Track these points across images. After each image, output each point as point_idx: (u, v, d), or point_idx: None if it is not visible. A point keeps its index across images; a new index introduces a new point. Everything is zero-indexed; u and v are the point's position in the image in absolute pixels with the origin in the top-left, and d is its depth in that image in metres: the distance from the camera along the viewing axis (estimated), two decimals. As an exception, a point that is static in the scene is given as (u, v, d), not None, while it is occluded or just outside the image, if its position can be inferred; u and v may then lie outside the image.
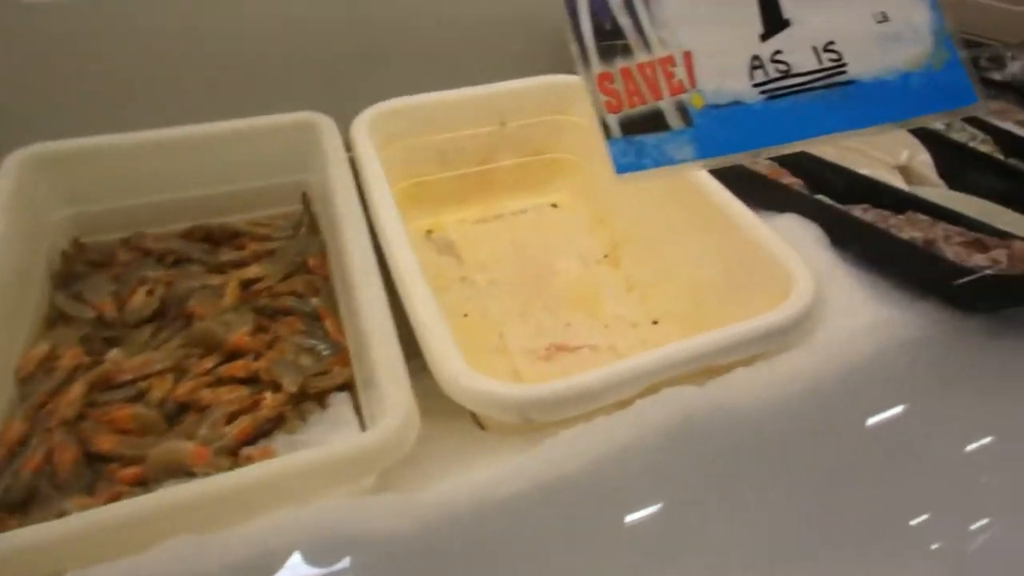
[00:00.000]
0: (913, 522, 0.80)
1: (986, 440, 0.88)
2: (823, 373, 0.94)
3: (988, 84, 1.81)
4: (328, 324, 1.12)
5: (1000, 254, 1.05)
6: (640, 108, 0.64)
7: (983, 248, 1.08)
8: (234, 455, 0.93)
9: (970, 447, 0.88)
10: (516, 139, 1.52)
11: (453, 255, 1.48)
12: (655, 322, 1.30)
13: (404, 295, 1.01)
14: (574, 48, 0.64)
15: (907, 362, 0.95)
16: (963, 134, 1.57)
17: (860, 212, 1.20)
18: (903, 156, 1.44)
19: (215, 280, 1.20)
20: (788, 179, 1.36)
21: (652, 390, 0.93)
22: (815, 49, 0.70)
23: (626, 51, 0.64)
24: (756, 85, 0.68)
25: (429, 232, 1.52)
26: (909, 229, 1.14)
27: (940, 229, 1.12)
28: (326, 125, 1.33)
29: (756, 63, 0.68)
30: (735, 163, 0.66)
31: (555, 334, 1.30)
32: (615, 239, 1.45)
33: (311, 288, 1.19)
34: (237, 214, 1.37)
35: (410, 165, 1.48)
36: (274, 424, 0.97)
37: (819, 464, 0.85)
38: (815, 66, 0.69)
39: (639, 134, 0.65)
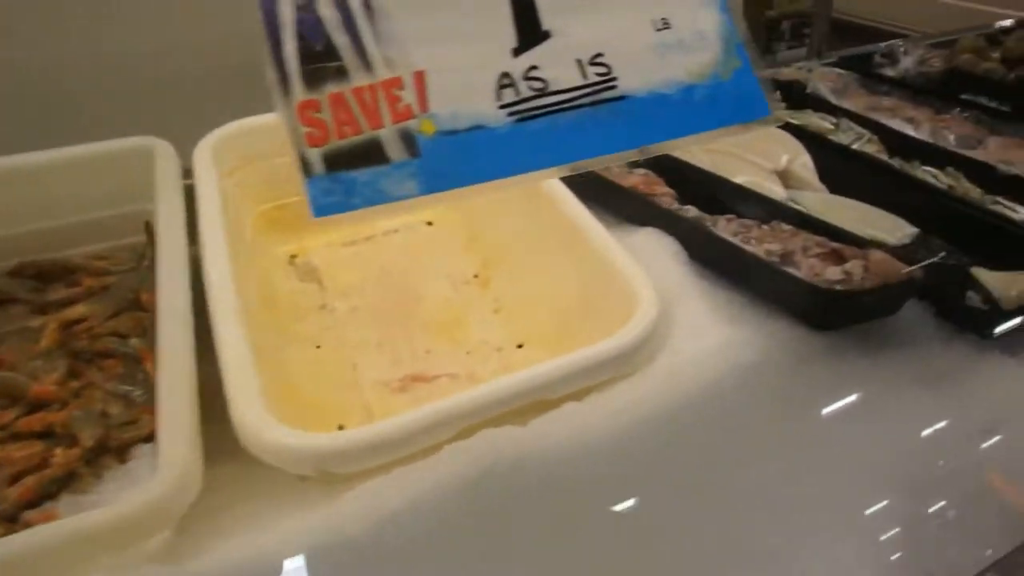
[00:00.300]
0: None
1: (819, 468, 0.82)
2: (658, 403, 0.87)
3: (882, 80, 1.76)
4: (148, 367, 1.04)
5: (856, 266, 0.98)
6: (353, 139, 0.57)
7: (840, 259, 1.02)
8: (13, 520, 0.84)
9: (805, 475, 0.81)
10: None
11: (315, 281, 1.40)
12: (520, 346, 1.23)
13: (215, 335, 0.93)
14: (271, 74, 0.56)
15: (750, 387, 0.89)
16: (849, 134, 1.52)
17: (724, 223, 1.14)
18: (783, 160, 1.38)
19: (35, 322, 1.11)
20: (661, 188, 1.30)
21: (469, 432, 0.86)
22: (579, 63, 0.62)
23: (340, 74, 0.56)
24: (504, 106, 0.60)
25: (293, 257, 1.44)
26: (769, 241, 1.08)
27: (801, 240, 1.06)
28: (162, 150, 1.24)
29: (506, 81, 0.60)
30: (480, 194, 0.58)
31: (413, 363, 1.22)
32: (486, 258, 1.38)
33: (139, 327, 1.11)
34: (80, 247, 1.28)
35: (270, 187, 1.40)
36: (62, 483, 0.88)
37: (641, 507, 0.78)
38: (579, 82, 0.62)
39: (349, 169, 0.57)
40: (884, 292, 0.94)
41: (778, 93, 1.71)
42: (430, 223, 1.52)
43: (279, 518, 0.79)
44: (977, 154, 1.47)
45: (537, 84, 0.60)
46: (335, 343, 1.26)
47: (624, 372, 0.91)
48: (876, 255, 0.99)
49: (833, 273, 0.98)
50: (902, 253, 1.20)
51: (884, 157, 1.45)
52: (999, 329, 1.00)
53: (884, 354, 0.95)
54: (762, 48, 4.05)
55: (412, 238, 1.49)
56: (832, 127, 1.55)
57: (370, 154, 0.57)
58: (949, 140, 1.54)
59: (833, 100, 1.65)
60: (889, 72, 1.81)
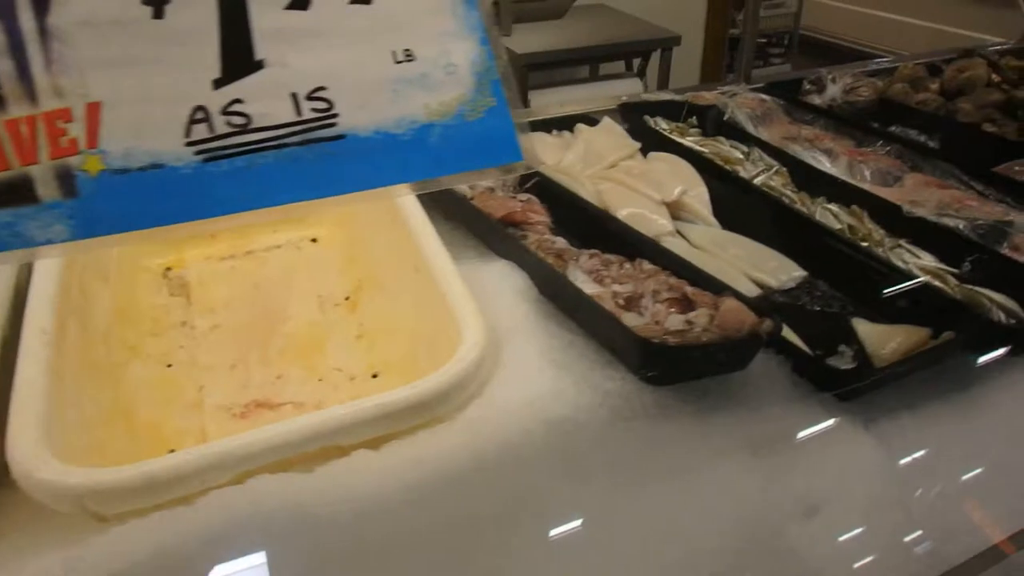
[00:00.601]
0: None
1: (614, 541, 0.75)
2: (457, 457, 0.81)
3: (808, 108, 1.69)
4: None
5: (702, 315, 0.92)
6: (-2, 176, 0.50)
7: (688, 306, 0.96)
8: None
9: (596, 550, 0.75)
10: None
11: (184, 296, 1.34)
12: (375, 375, 1.17)
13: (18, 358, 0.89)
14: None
15: (559, 445, 0.82)
16: (758, 165, 1.45)
17: (586, 259, 1.08)
18: (675, 191, 1.32)
19: None
20: (537, 216, 1.24)
21: (248, 475, 0.80)
22: (295, 96, 0.56)
23: (-7, 104, 0.50)
24: (192, 143, 0.54)
25: (168, 270, 1.38)
26: (624, 281, 1.02)
27: (655, 282, 1.00)
28: None
29: (199, 116, 0.54)
30: (149, 237, 0.52)
31: (262, 389, 1.16)
32: (360, 280, 1.32)
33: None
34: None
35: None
36: None
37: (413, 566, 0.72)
38: (291, 118, 0.56)
39: (-16, 209, 0.51)
40: (720, 346, 0.87)
41: (694, 118, 1.65)
42: (315, 240, 1.46)
43: (39, 552, 0.74)
44: (889, 192, 1.41)
45: (238, 120, 0.54)
46: (187, 363, 1.20)
47: (428, 420, 0.84)
48: (728, 304, 0.93)
49: (675, 322, 0.92)
50: (784, 298, 1.14)
51: (790, 191, 1.38)
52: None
53: (719, 415, 0.88)
54: (723, 67, 4.00)
55: (293, 255, 1.43)
56: (742, 157, 1.48)
57: (15, 193, 0.51)
58: (865, 175, 1.47)
59: (750, 128, 1.58)
60: (816, 100, 1.74)
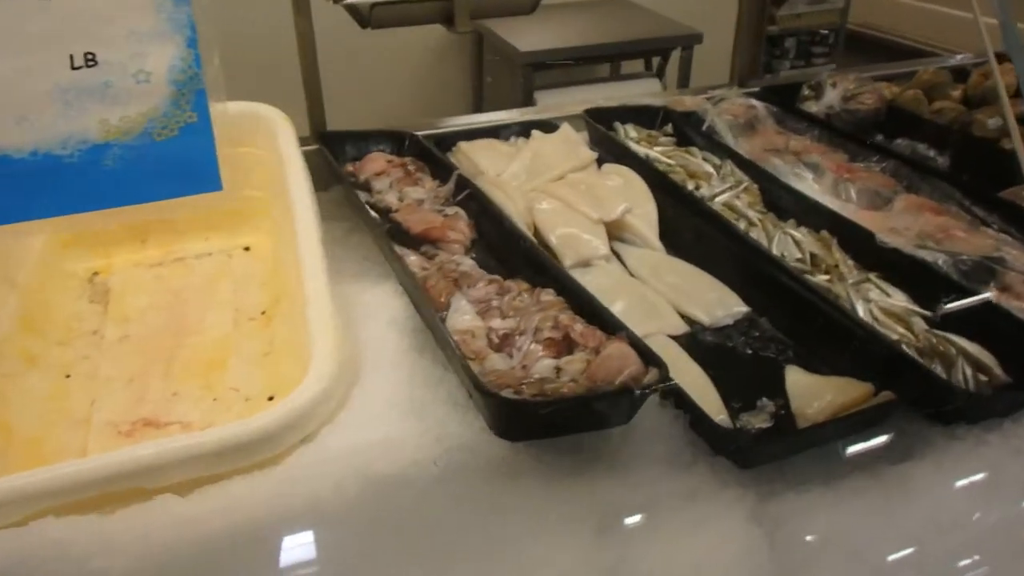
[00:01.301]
0: None
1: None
2: (269, 507, 0.72)
3: (802, 117, 1.54)
4: None
5: (576, 361, 0.83)
6: None
7: (567, 349, 0.85)
8: None
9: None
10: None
11: (102, 304, 1.28)
12: (271, 398, 1.09)
13: None
14: None
15: (375, 503, 0.72)
16: (728, 180, 1.31)
17: (483, 285, 0.98)
18: (617, 210, 1.19)
19: None
20: (455, 235, 1.14)
21: (35, 516, 0.73)
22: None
23: None
24: None
25: (95, 275, 1.33)
26: (510, 314, 0.92)
27: (542, 318, 0.89)
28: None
29: None
30: None
31: (155, 406, 1.10)
32: (279, 293, 1.24)
33: None
34: None
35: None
36: None
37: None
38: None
39: None
40: (579, 403, 0.76)
41: (669, 125, 1.51)
42: (247, 248, 1.39)
43: None
44: (872, 216, 1.25)
45: None
46: (87, 375, 1.15)
47: (246, 466, 0.76)
48: (610, 349, 0.81)
49: (543, 368, 0.80)
50: (714, 337, 1.01)
51: (755, 212, 1.24)
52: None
53: (579, 478, 0.76)
54: (763, 67, 3.77)
55: (222, 264, 1.36)
56: (712, 171, 1.34)
57: None
58: (851, 195, 1.32)
59: (729, 138, 1.44)
60: (813, 107, 1.58)
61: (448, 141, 1.45)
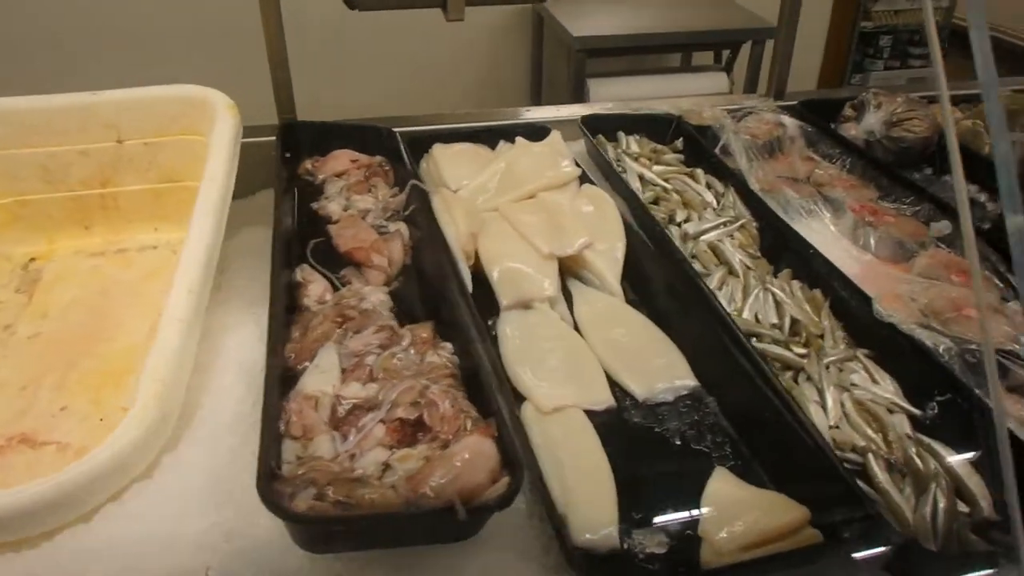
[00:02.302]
0: None
1: None
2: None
3: (835, 140, 1.32)
4: None
5: (415, 456, 0.69)
6: None
7: (412, 439, 0.71)
8: None
9: None
10: (140, 160, 1.22)
11: (28, 294, 1.20)
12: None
13: None
14: None
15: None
16: (725, 213, 1.13)
17: (371, 332, 0.84)
18: (576, 244, 1.03)
19: None
20: (379, 259, 1.00)
21: None
22: None
23: None
24: None
25: (32, 261, 1.26)
26: (380, 378, 0.78)
27: (408, 389, 0.75)
28: None
29: None
30: None
31: (38, 419, 1.01)
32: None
33: None
34: None
35: (7, 181, 1.22)
36: None
37: None
38: None
39: None
40: (371, 520, 0.61)
41: (681, 139, 1.33)
42: (193, 244, 1.28)
43: None
44: (888, 272, 1.05)
45: None
46: (-21, 377, 1.07)
47: (12, 540, 0.65)
48: (465, 446, 0.66)
49: (372, 459, 0.66)
50: (641, 418, 0.85)
51: (746, 254, 1.06)
52: None
53: None
54: (852, 65, 3.44)
55: (165, 259, 1.26)
56: (712, 200, 1.16)
57: None
58: (870, 242, 1.12)
59: (744, 160, 1.25)
60: (852, 130, 1.36)
61: (436, 139, 1.30)
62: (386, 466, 0.65)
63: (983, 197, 1.26)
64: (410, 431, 0.69)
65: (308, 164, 1.27)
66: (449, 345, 0.83)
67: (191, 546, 0.64)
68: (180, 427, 0.76)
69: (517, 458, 0.65)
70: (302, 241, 1.07)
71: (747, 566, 0.65)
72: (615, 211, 1.10)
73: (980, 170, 1.26)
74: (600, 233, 1.06)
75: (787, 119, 1.38)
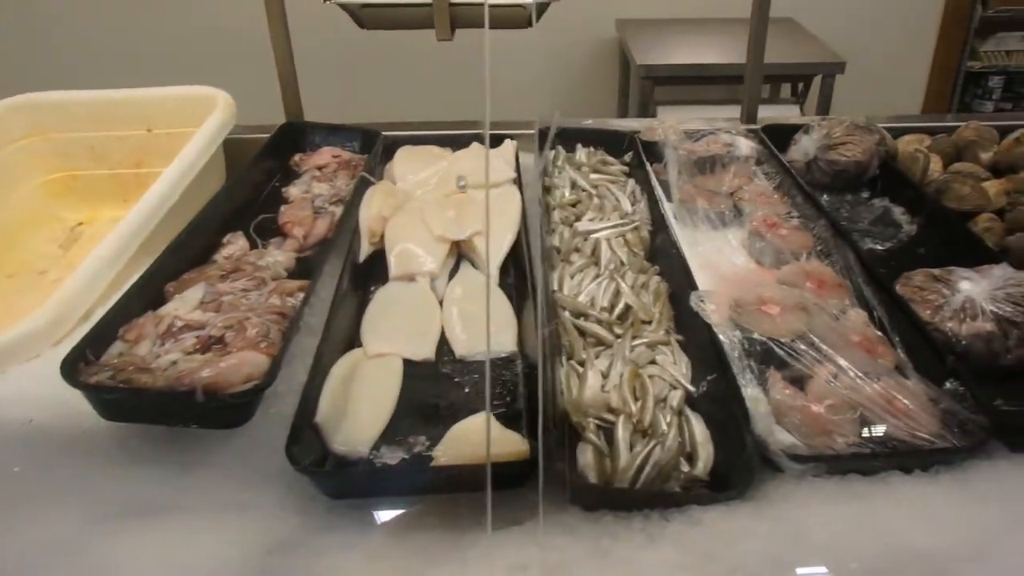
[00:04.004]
0: None
1: None
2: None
3: (778, 163, 1.39)
4: None
5: (201, 361, 0.86)
6: None
7: (210, 348, 0.89)
8: None
9: None
10: (166, 147, 1.49)
11: (65, 249, 1.49)
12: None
13: None
14: None
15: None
16: (635, 217, 1.24)
17: (245, 279, 1.03)
18: (466, 232, 1.19)
19: None
20: (300, 229, 1.20)
21: None
22: None
23: None
24: None
25: (79, 224, 1.55)
26: (229, 311, 0.97)
27: (238, 320, 0.94)
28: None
29: None
30: None
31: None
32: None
33: None
34: None
35: (63, 159, 1.52)
36: None
37: None
38: None
39: None
40: (132, 394, 0.81)
41: (630, 154, 1.44)
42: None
43: None
44: (750, 273, 1.13)
45: None
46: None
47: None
48: (244, 355, 0.85)
49: (166, 360, 0.86)
50: (448, 370, 0.99)
51: (628, 253, 1.18)
52: None
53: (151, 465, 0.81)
54: (957, 105, 3.28)
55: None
56: (629, 207, 1.29)
57: None
58: (755, 250, 1.20)
59: (674, 174, 1.35)
60: (796, 153, 1.42)
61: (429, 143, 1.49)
62: (172, 363, 0.84)
63: (905, 219, 1.29)
64: (213, 345, 0.88)
65: (296, 157, 1.49)
66: (301, 295, 1.01)
67: (23, 404, 0.86)
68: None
69: (274, 371, 0.82)
70: (256, 214, 1.28)
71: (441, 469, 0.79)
72: (517, 209, 1.23)
73: (910, 194, 1.30)
74: (498, 225, 1.20)
75: (743, 141, 1.46)
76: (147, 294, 1.00)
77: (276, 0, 1.51)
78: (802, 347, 0.93)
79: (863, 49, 2.98)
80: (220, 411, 0.82)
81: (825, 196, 1.37)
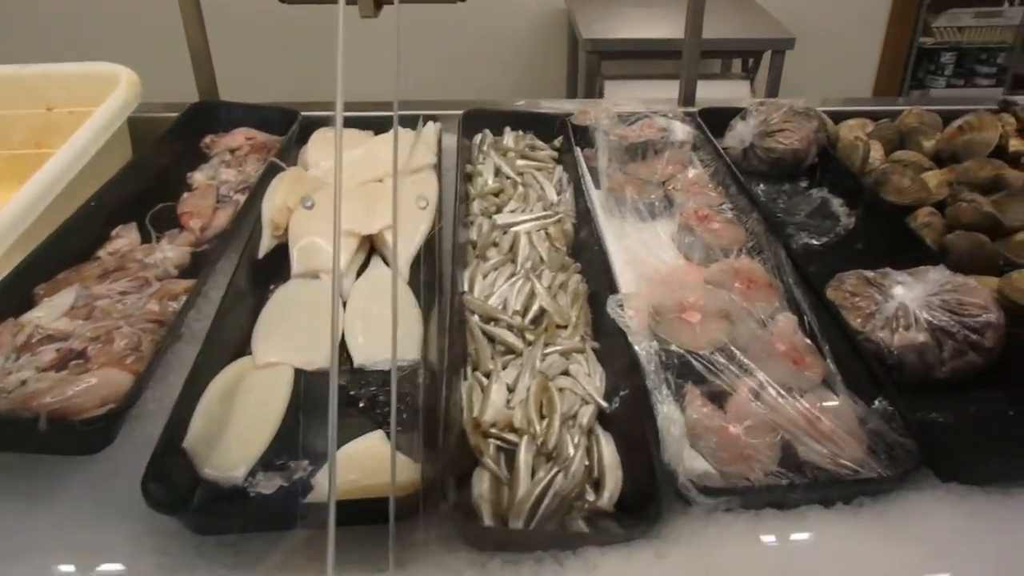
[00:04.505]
0: None
1: None
2: None
3: (714, 149, 1.32)
4: None
5: (61, 380, 0.77)
6: None
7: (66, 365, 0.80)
8: None
9: None
10: (67, 126, 1.38)
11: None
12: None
13: None
14: None
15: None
16: (560, 208, 1.16)
17: (126, 281, 0.94)
18: (376, 226, 1.10)
19: None
20: (195, 222, 1.11)
21: None
22: None
23: None
24: None
25: (-24, 208, 1.44)
26: (101, 319, 0.88)
27: (102, 331, 0.85)
28: None
29: None
30: None
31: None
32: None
33: None
34: None
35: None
36: None
37: None
38: None
39: None
40: None
41: (560, 139, 1.36)
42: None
43: None
44: (673, 270, 1.06)
45: None
46: None
47: None
48: (103, 373, 0.77)
49: (16, 378, 0.77)
50: (345, 381, 0.91)
51: (550, 247, 1.10)
52: None
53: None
54: (910, 81, 3.24)
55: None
56: (555, 196, 1.22)
57: None
58: (684, 245, 1.13)
59: (604, 160, 1.28)
60: (731, 140, 1.35)
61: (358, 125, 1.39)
62: (21, 383, 0.75)
63: (844, 212, 1.23)
64: (73, 360, 0.79)
65: (208, 139, 1.39)
66: (183, 299, 0.92)
67: None
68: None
69: (137, 391, 0.74)
70: (155, 203, 1.19)
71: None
72: (434, 199, 1.15)
73: (849, 184, 1.24)
74: (411, 218, 1.12)
75: (679, 125, 1.39)
76: (13, 298, 0.91)
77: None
78: (722, 360, 0.86)
79: (815, 25, 2.92)
80: (71, 438, 0.73)
81: (762, 185, 1.30)
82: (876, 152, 1.32)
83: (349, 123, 1.42)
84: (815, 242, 1.17)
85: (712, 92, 2.62)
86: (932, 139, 1.32)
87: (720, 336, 0.90)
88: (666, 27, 2.58)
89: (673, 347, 0.89)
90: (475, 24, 2.96)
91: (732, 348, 0.88)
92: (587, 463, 0.80)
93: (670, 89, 2.38)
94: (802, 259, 1.06)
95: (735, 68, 2.87)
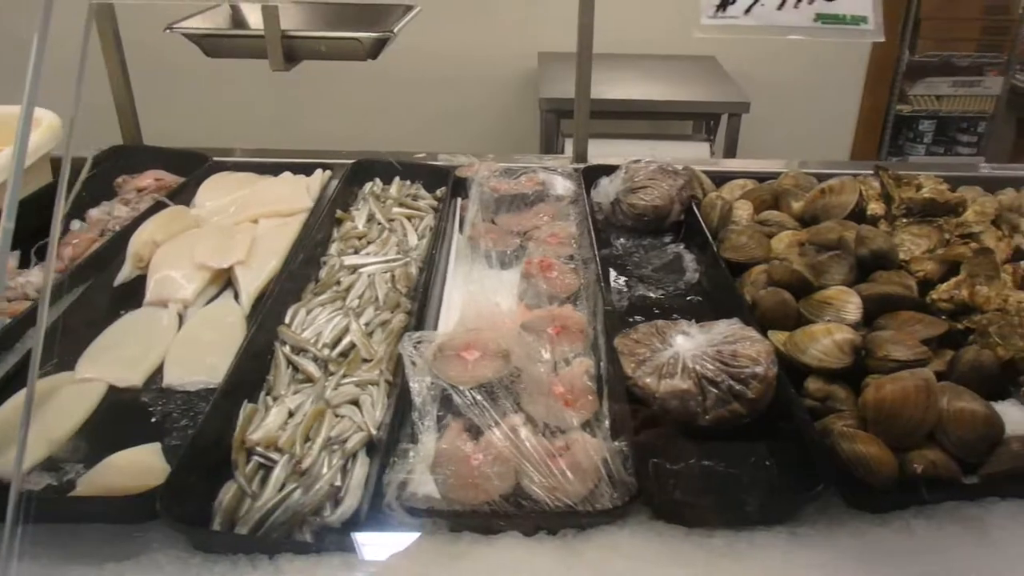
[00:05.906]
0: None
1: None
2: None
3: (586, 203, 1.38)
4: None
5: None
6: None
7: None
8: None
9: None
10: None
11: None
12: None
13: None
14: None
15: None
16: (413, 253, 1.23)
17: None
18: (228, 261, 1.18)
19: None
20: (73, 251, 1.20)
21: None
22: None
23: None
24: None
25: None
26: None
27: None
28: None
29: None
30: None
31: None
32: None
33: None
34: None
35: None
36: None
37: None
38: None
39: None
40: None
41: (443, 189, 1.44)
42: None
43: None
44: (499, 320, 1.12)
45: None
46: None
47: None
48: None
49: None
50: (147, 399, 0.99)
51: (384, 291, 1.17)
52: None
53: None
54: (888, 148, 3.24)
55: None
56: (415, 241, 1.29)
57: None
58: (523, 291, 1.19)
59: (474, 211, 1.35)
60: (598, 195, 1.41)
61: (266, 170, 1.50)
62: None
63: (692, 267, 1.28)
64: None
65: (120, 179, 1.50)
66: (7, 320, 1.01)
67: None
68: None
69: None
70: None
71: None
72: (288, 239, 1.24)
73: (700, 241, 1.29)
74: (265, 254, 1.20)
75: (561, 180, 1.45)
76: None
77: (109, 26, 1.52)
78: (479, 397, 0.91)
79: (787, 90, 2.96)
80: None
81: (621, 240, 1.35)
82: (742, 211, 1.36)
83: (254, 168, 1.52)
84: (651, 294, 1.22)
85: (677, 152, 2.69)
86: (800, 200, 1.36)
87: (487, 373, 0.95)
88: (634, 88, 2.66)
89: (441, 381, 0.94)
90: (460, 81, 3.09)
91: (493, 386, 0.93)
92: (338, 484, 0.85)
93: (630, 148, 2.46)
94: (634, 309, 1.11)
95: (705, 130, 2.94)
